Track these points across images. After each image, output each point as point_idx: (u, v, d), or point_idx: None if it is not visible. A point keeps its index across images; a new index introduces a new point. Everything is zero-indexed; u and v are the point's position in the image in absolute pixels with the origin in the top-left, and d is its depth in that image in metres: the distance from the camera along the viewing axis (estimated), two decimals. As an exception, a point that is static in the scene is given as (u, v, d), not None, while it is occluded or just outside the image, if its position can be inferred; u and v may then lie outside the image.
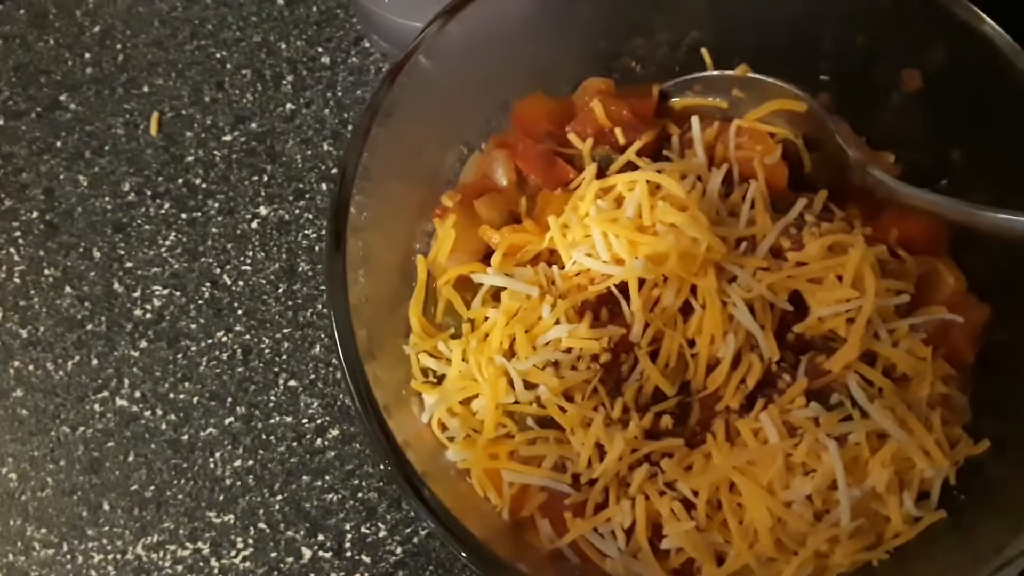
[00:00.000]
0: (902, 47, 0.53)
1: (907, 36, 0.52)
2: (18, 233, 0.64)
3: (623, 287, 0.49)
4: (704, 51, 0.57)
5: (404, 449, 0.42)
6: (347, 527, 0.56)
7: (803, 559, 0.45)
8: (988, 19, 0.49)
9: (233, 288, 0.62)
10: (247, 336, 0.61)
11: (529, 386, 0.49)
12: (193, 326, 0.61)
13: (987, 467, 0.47)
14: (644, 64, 0.59)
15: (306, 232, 0.64)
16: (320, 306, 0.61)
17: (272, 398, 0.59)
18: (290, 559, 0.55)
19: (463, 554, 0.40)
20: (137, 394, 0.59)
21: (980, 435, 0.48)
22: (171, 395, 0.59)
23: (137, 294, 0.62)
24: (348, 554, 0.55)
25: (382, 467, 0.56)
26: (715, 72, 0.57)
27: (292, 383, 0.59)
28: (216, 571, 0.55)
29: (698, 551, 0.45)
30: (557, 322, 0.49)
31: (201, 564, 0.55)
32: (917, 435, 0.45)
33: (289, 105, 0.67)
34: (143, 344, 0.60)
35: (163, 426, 0.58)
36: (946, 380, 0.49)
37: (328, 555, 0.55)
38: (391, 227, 0.54)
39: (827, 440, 0.45)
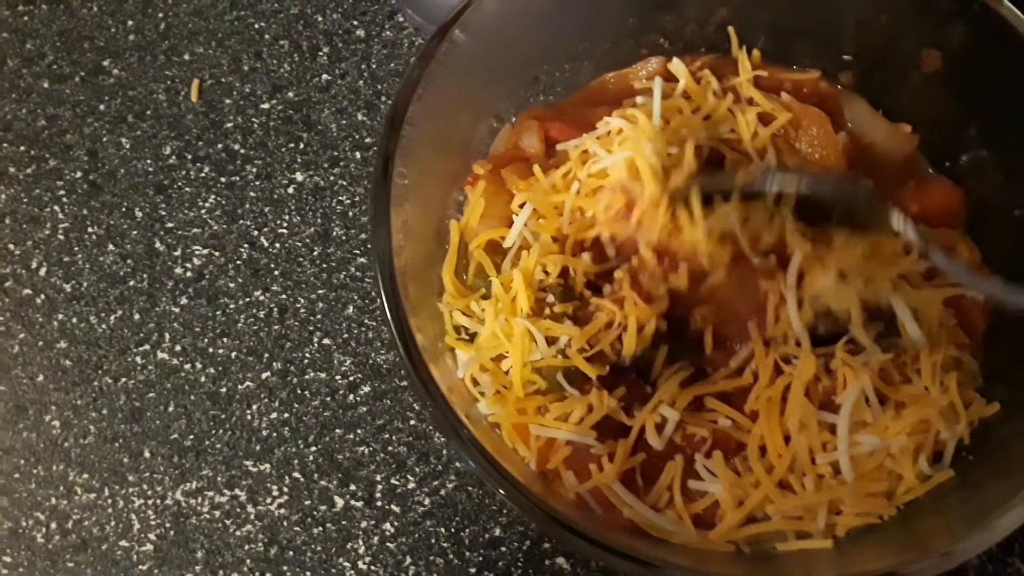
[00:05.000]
0: (923, 28, 0.55)
1: (928, 17, 0.54)
2: (62, 192, 0.66)
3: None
4: (731, 29, 0.59)
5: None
6: (378, 478, 0.58)
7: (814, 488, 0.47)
8: (1006, 1, 0.51)
9: (270, 250, 0.64)
10: (283, 296, 0.63)
11: (552, 340, 0.51)
12: (231, 285, 0.63)
13: (994, 429, 0.49)
14: (672, 41, 0.61)
15: (340, 198, 0.66)
16: (353, 268, 0.64)
17: (307, 355, 0.61)
18: (323, 507, 0.58)
19: (501, 491, 0.42)
20: (177, 348, 0.62)
21: (990, 399, 0.50)
22: (210, 349, 0.61)
23: (178, 253, 0.64)
24: (379, 504, 0.58)
25: (425, 411, 0.59)
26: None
27: (326, 341, 0.62)
28: (252, 517, 0.57)
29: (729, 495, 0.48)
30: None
31: (238, 510, 0.58)
32: (935, 396, 0.48)
33: (325, 76, 0.69)
34: (183, 301, 0.63)
35: (202, 379, 0.61)
36: (959, 346, 0.51)
37: (359, 504, 0.58)
38: (427, 194, 0.56)
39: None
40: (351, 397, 0.60)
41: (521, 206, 0.55)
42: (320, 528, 0.57)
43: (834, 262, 0.48)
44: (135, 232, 0.65)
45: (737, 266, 0.49)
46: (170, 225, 0.65)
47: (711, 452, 0.48)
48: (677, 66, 0.58)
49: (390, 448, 0.59)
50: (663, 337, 0.51)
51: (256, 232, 0.65)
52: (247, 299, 0.63)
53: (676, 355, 0.51)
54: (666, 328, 0.50)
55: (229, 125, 0.68)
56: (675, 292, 0.50)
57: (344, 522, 0.57)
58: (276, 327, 0.62)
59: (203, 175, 0.66)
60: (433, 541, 0.57)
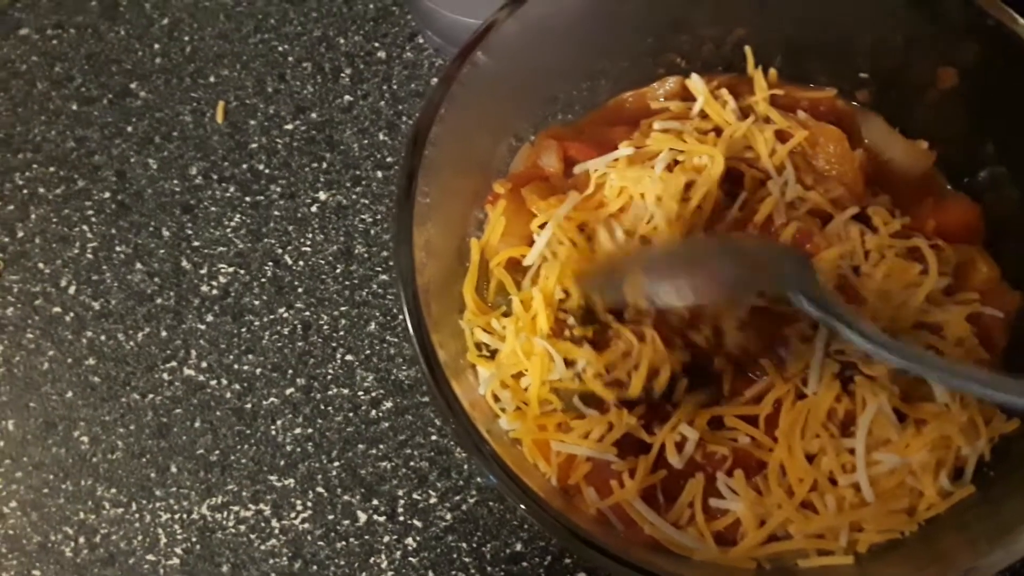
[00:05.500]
0: (939, 46, 0.55)
1: (943, 35, 0.55)
2: (91, 212, 0.68)
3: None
4: (747, 48, 0.60)
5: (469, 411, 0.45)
6: (400, 493, 0.59)
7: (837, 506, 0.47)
8: (1021, 20, 0.51)
9: (294, 267, 0.65)
10: (307, 313, 0.64)
11: (571, 363, 0.51)
12: (256, 302, 0.64)
13: (1015, 445, 0.49)
14: (689, 60, 0.61)
15: (362, 216, 0.67)
16: (375, 286, 0.65)
17: (330, 371, 0.62)
18: (346, 522, 0.58)
19: (522, 506, 0.43)
20: (203, 364, 0.63)
21: (1011, 416, 0.50)
22: (235, 366, 0.62)
23: (204, 271, 0.65)
24: (401, 518, 0.58)
25: (447, 427, 0.59)
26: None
27: (349, 357, 0.62)
28: (277, 531, 0.58)
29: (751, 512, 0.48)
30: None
31: (263, 524, 0.58)
32: (955, 412, 0.48)
33: (347, 97, 0.71)
34: (209, 318, 0.64)
35: (228, 395, 0.62)
36: (980, 363, 0.51)
37: (382, 519, 0.58)
38: (448, 213, 0.56)
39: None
40: (373, 413, 0.61)
41: (541, 226, 0.55)
42: (343, 543, 0.58)
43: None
44: (162, 251, 0.66)
45: (758, 315, 0.50)
46: (196, 244, 0.66)
47: (732, 470, 0.49)
48: (696, 82, 0.59)
49: (412, 463, 0.60)
50: (682, 371, 0.51)
51: (280, 250, 0.66)
52: (271, 316, 0.64)
53: (695, 385, 0.51)
54: (683, 366, 0.51)
55: (254, 146, 0.69)
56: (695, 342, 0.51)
57: (367, 537, 0.58)
58: (300, 344, 0.63)
59: (228, 195, 0.68)
60: (455, 556, 0.57)
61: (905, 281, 0.50)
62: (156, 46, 0.73)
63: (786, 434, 0.48)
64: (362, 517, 0.58)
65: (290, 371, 0.62)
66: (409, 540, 0.58)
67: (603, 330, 0.52)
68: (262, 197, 0.67)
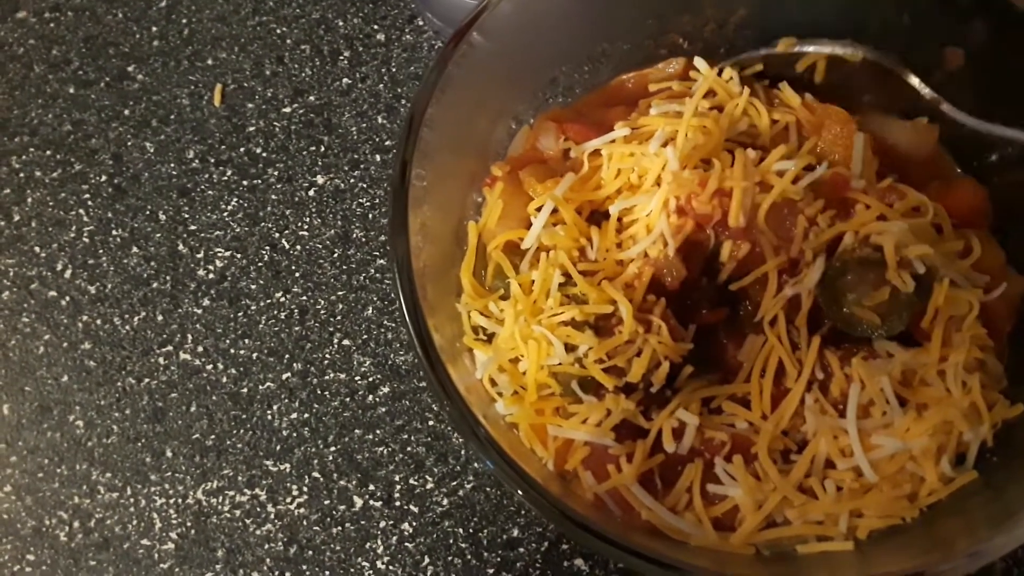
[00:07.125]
0: (945, 26, 0.54)
1: (950, 15, 0.54)
2: (87, 195, 0.67)
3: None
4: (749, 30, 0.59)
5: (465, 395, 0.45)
6: (396, 478, 0.58)
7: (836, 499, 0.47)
8: (1030, -2, 0.51)
9: (291, 252, 0.65)
10: (304, 297, 0.63)
11: (571, 348, 0.51)
12: (253, 286, 0.64)
13: (1019, 431, 0.49)
14: (691, 41, 0.61)
15: (360, 200, 0.66)
16: (373, 270, 0.64)
17: (327, 356, 0.62)
18: (342, 507, 0.58)
19: (519, 492, 0.42)
20: (200, 349, 0.62)
21: (1015, 401, 0.49)
22: (232, 350, 0.62)
23: (200, 255, 0.65)
24: (397, 504, 0.58)
25: (442, 411, 0.59)
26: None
27: (346, 342, 0.62)
28: (272, 516, 0.58)
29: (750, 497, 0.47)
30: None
31: (258, 509, 0.58)
32: (957, 397, 0.47)
33: (345, 80, 0.70)
34: (206, 302, 0.63)
35: (224, 379, 0.61)
36: (983, 348, 0.50)
37: (378, 504, 0.58)
38: (445, 196, 0.56)
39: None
40: (370, 398, 0.60)
41: (539, 209, 0.55)
42: (339, 528, 0.57)
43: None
44: (159, 235, 0.66)
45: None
46: (193, 228, 0.66)
47: (731, 456, 0.48)
48: (700, 64, 0.58)
49: (409, 448, 0.59)
50: (688, 359, 0.50)
51: (277, 234, 0.65)
52: (268, 300, 0.63)
53: (698, 374, 0.51)
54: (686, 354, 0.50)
55: (251, 129, 0.69)
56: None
57: (363, 522, 0.58)
58: (297, 328, 0.62)
59: (225, 178, 0.67)
60: (451, 541, 0.57)
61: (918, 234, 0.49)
62: (154, 28, 0.73)
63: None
64: (358, 502, 0.58)
65: (287, 356, 0.62)
66: (405, 525, 0.57)
67: (607, 317, 0.51)
68: (259, 181, 0.67)
